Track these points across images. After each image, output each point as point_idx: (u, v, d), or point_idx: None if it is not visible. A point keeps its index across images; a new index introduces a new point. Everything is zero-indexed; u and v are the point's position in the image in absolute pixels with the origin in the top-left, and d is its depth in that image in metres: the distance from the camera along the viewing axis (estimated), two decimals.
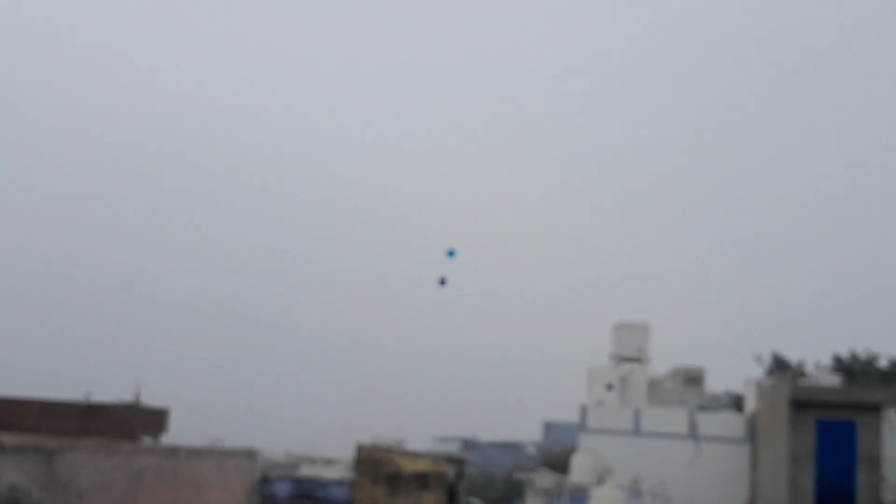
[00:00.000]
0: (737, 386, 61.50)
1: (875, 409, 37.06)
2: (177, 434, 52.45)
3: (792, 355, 62.19)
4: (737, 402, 60.32)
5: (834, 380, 44.51)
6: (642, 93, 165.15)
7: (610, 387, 61.14)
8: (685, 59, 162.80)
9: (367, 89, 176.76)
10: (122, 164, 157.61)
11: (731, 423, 50.66)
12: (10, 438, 21.10)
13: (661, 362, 67.54)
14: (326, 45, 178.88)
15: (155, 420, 51.97)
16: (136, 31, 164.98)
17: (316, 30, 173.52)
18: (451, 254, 37.34)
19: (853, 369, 59.05)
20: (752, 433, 48.29)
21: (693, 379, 63.42)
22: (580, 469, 48.45)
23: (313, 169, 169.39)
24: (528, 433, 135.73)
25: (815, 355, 63.26)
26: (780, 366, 57.91)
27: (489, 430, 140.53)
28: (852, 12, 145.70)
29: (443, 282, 33.75)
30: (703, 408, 57.11)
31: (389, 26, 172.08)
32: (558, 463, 73.14)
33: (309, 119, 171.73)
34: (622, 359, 66.15)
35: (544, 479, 45.12)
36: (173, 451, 28.40)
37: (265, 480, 44.83)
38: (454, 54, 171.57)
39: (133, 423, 47.10)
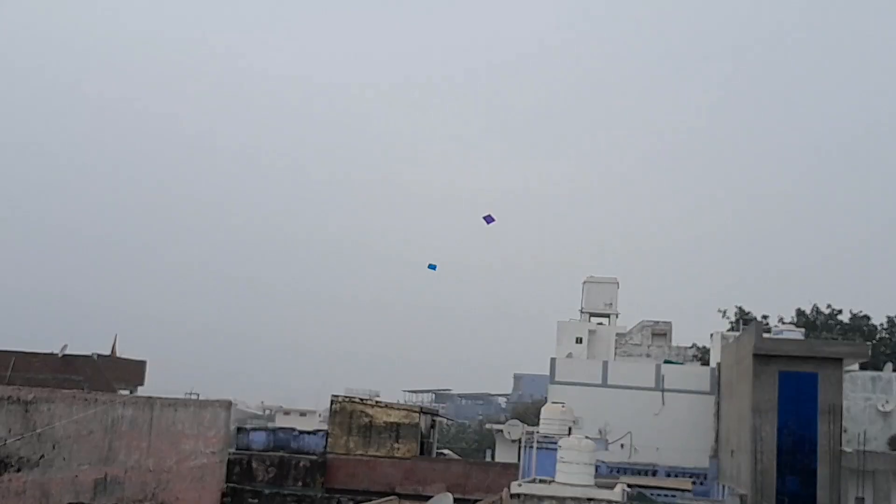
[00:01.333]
0: (702, 340, 62.65)
1: (837, 361, 37.76)
2: (153, 386, 53.04)
3: (756, 310, 63.38)
4: (702, 356, 61.44)
5: (797, 333, 45.40)
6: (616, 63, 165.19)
7: (579, 340, 62.06)
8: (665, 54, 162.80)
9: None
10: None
11: (697, 376, 51.67)
12: None
13: (629, 317, 68.71)
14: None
15: (132, 372, 52.44)
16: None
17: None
18: (432, 266, 38.97)
19: (816, 323, 60.25)
20: (717, 385, 49.30)
21: (660, 333, 64.42)
22: (549, 420, 49.22)
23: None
24: (499, 385, 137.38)
25: (779, 310, 64.57)
26: (744, 320, 58.92)
27: (461, 383, 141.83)
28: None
29: (489, 219, 34.35)
30: (669, 361, 58.15)
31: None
32: (528, 414, 74.26)
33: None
34: (591, 313, 67.13)
35: (515, 429, 45.78)
36: (149, 402, 28.74)
37: (241, 431, 45.50)
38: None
39: (109, 374, 47.54)
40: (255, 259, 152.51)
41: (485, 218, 34.39)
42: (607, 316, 67.34)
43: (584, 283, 68.00)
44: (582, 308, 67.19)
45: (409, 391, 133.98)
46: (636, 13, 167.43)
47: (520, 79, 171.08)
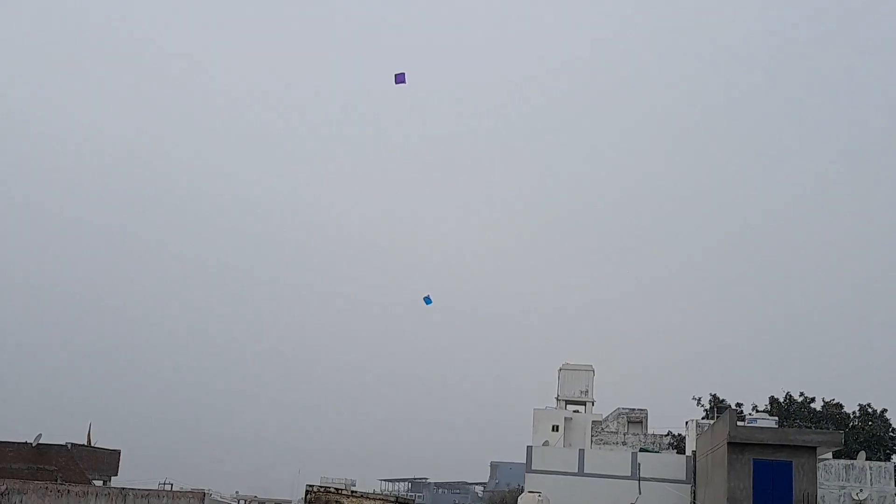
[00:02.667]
0: (678, 427, 62.79)
1: (811, 450, 38.06)
2: (127, 475, 52.57)
3: (730, 397, 63.70)
4: (678, 443, 61.52)
5: (770, 422, 45.72)
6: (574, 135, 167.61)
7: (555, 428, 62.05)
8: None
9: None
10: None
11: (673, 464, 51.72)
12: None
13: (605, 403, 68.87)
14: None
15: (106, 462, 51.95)
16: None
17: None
18: (427, 301, 39.35)
19: (789, 411, 60.55)
20: (693, 473, 49.38)
21: (636, 420, 64.55)
22: None
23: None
24: (476, 474, 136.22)
25: (753, 397, 64.94)
26: (718, 407, 59.23)
27: (437, 471, 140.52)
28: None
29: (400, 78, 32.39)
30: (645, 449, 58.19)
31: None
32: (504, 503, 73.79)
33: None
34: (567, 400, 67.26)
35: None
36: (122, 493, 28.66)
37: None
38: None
39: (84, 464, 47.08)
40: (227, 352, 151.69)
41: (396, 77, 32.40)
42: (583, 403, 67.47)
43: (560, 370, 68.23)
44: (558, 395, 67.32)
45: (385, 480, 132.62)
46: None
47: (494, 162, 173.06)
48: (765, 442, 38.34)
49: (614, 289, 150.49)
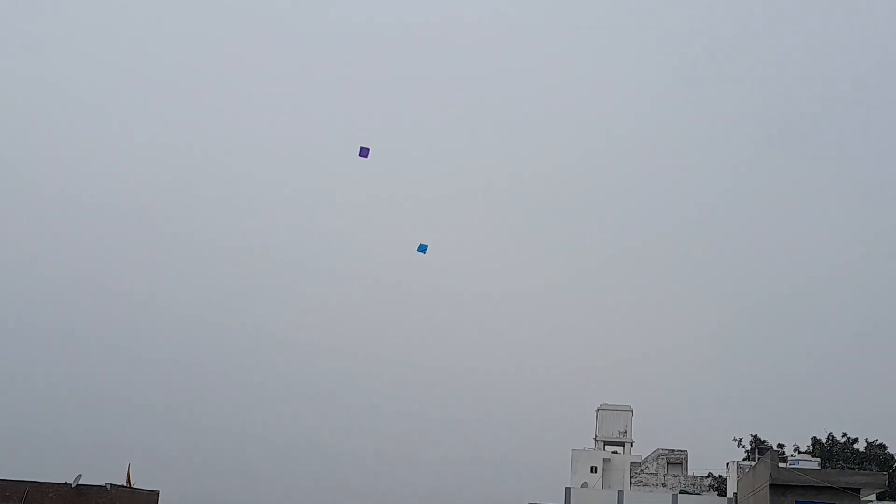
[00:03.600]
0: (718, 468, 62.04)
1: (854, 492, 37.59)
2: None
3: (772, 438, 62.89)
4: (719, 485, 60.79)
5: (813, 463, 45.13)
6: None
7: (594, 469, 61.63)
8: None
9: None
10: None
11: None
12: None
13: (644, 444, 68.26)
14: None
15: (145, 502, 52.14)
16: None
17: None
18: (422, 248, 36.48)
19: (832, 452, 59.69)
20: None
21: (675, 461, 63.93)
22: None
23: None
24: None
25: (795, 438, 63.98)
26: (759, 448, 58.48)
27: None
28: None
29: (364, 152, 32.39)
30: (685, 491, 57.57)
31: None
32: None
33: None
34: (606, 441, 66.82)
35: None
36: None
37: None
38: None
39: None
40: (272, 398, 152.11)
41: (361, 152, 32.52)
42: (622, 444, 66.99)
43: (598, 410, 67.87)
44: (596, 436, 66.91)
45: None
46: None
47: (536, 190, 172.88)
48: (807, 484, 37.90)
49: (653, 328, 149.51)
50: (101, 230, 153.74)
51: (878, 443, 61.63)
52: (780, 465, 40.71)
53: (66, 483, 46.64)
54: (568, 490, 53.00)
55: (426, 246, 36.45)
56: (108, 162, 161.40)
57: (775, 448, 58.95)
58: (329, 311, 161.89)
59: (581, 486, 56.68)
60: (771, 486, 37.95)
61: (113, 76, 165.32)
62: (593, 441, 66.94)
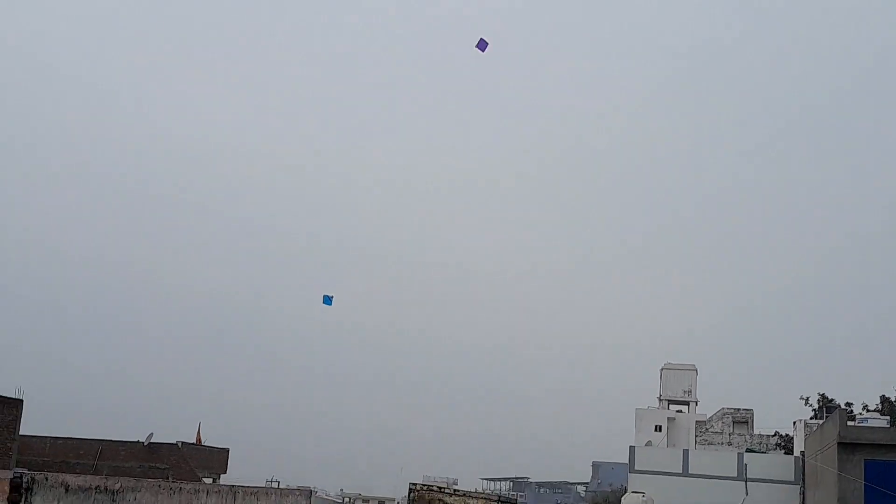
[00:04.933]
0: (785, 427, 61.47)
1: None
2: (236, 473, 53.75)
3: (839, 397, 62.10)
4: (786, 444, 60.26)
5: (882, 421, 44.45)
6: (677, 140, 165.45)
7: (658, 428, 61.42)
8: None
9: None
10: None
11: (780, 465, 50.65)
12: (74, 479, 22.12)
13: (709, 404, 67.84)
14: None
15: (215, 460, 53.18)
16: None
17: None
18: (327, 300, 36.55)
19: None
20: (802, 474, 48.29)
21: (741, 420, 63.43)
22: None
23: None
24: (578, 474, 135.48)
25: (863, 397, 63.10)
26: (827, 407, 57.79)
27: (539, 471, 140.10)
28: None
29: (482, 45, 32.11)
30: (751, 449, 57.15)
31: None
32: (607, 503, 73.32)
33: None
34: (670, 400, 66.52)
35: None
36: (232, 490, 29.33)
37: None
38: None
39: (193, 462, 48.26)
40: (332, 345, 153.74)
41: (479, 44, 32.12)
42: (686, 403, 66.63)
43: (662, 369, 67.51)
44: (660, 395, 66.63)
45: (486, 479, 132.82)
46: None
47: (584, 163, 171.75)
48: (877, 442, 37.29)
49: (717, 287, 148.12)
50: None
51: None
52: (849, 423, 40.17)
53: (138, 441, 47.70)
54: (632, 448, 52.95)
55: (330, 298, 36.53)
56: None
57: (843, 406, 58.27)
58: (424, 303, 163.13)
59: (645, 445, 56.59)
60: (839, 444, 37.46)
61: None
62: (657, 400, 66.67)
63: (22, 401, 33.94)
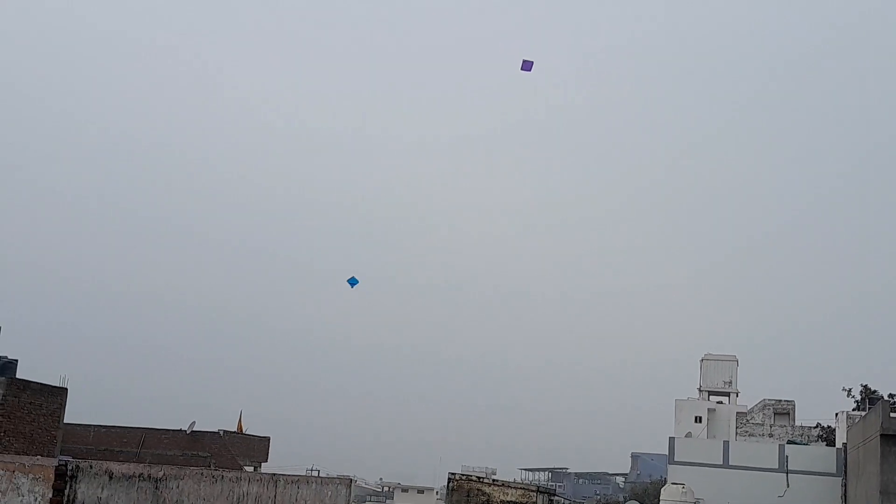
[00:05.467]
0: (827, 419, 60.91)
1: None
2: (277, 462, 54.24)
3: (882, 388, 61.42)
4: (827, 436, 59.72)
5: None
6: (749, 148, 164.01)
7: (698, 419, 61.09)
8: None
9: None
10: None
11: (822, 457, 50.22)
12: (118, 467, 22.37)
13: (750, 395, 67.36)
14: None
15: (256, 448, 53.65)
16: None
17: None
18: (352, 281, 36.27)
19: None
20: (844, 466, 47.86)
21: (782, 412, 62.92)
22: (670, 501, 48.62)
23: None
24: (617, 465, 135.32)
25: None
26: (870, 399, 57.17)
27: (577, 461, 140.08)
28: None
29: (527, 66, 32.20)
30: (792, 441, 56.71)
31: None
32: (646, 494, 73.13)
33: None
34: (710, 391, 66.10)
35: None
36: (273, 479, 29.53)
37: None
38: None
39: (235, 450, 48.74)
40: (373, 332, 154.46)
41: (524, 65, 32.15)
42: (727, 394, 66.20)
43: (703, 360, 67.12)
44: (700, 386, 66.25)
45: (525, 469, 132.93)
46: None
47: (628, 157, 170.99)
48: None
49: (757, 276, 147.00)
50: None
51: None
52: (892, 414, 39.74)
53: (180, 429, 48.23)
54: (672, 440, 52.72)
55: (356, 280, 36.35)
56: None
57: (886, 398, 57.62)
58: (463, 300, 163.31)
59: (685, 436, 56.32)
60: (882, 436, 37.07)
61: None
62: (697, 391, 66.30)
63: (66, 389, 34.47)
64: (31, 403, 33.37)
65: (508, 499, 41.48)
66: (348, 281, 36.48)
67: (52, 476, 18.26)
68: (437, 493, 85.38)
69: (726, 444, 52.22)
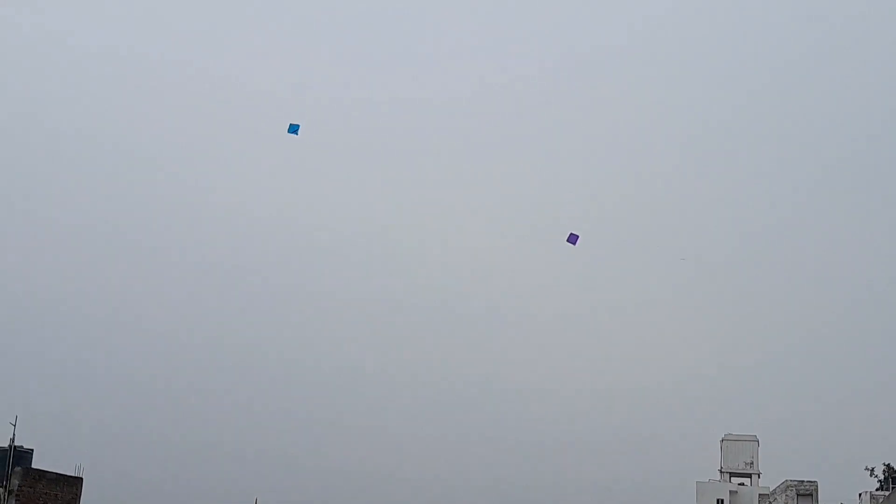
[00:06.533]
0: (850, 499, 60.17)
1: None
2: None
3: None
4: None
5: None
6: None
7: (720, 502, 60.38)
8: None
9: None
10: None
11: None
12: None
13: (772, 476, 66.43)
14: None
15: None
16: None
17: None
18: (293, 129, 34.93)
19: None
20: None
21: (805, 493, 62.14)
22: None
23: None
24: None
25: None
26: (893, 478, 56.57)
27: None
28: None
29: (573, 239, 33.17)
30: None
31: None
32: None
33: None
34: (731, 473, 65.36)
35: None
36: None
37: None
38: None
39: None
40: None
41: (570, 238, 33.15)
42: (748, 476, 65.46)
43: (723, 440, 66.54)
44: (721, 467, 65.57)
45: None
46: None
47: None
48: None
49: (777, 352, 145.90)
50: None
51: None
52: None
53: None
54: None
55: (297, 126, 35.24)
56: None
57: None
58: (468, 346, 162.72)
59: None
60: None
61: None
62: (718, 473, 65.58)
63: (82, 479, 34.45)
64: (46, 493, 33.38)
65: None
66: (290, 128, 35.19)
67: None
68: None
69: None
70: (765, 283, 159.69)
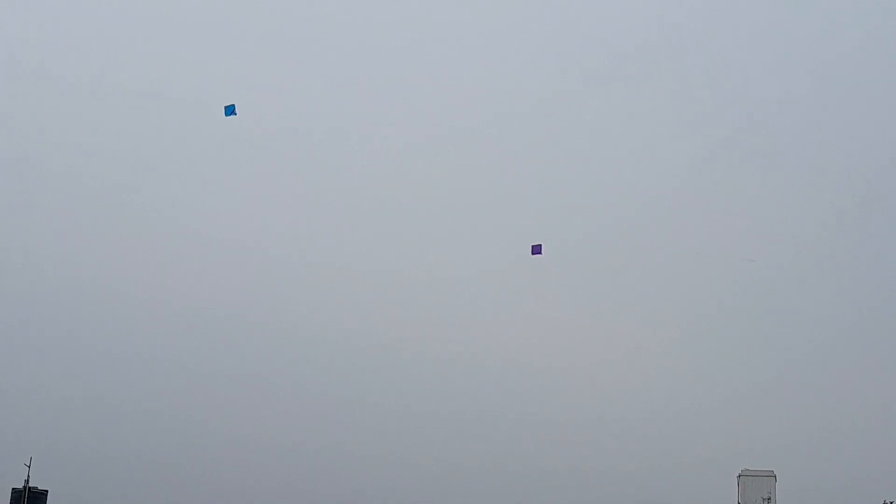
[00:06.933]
0: None
1: None
2: None
3: None
4: None
5: None
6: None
7: None
8: None
9: None
10: None
11: None
12: None
13: None
14: None
15: None
16: None
17: None
18: (229, 110, 34.63)
19: None
20: None
21: None
22: None
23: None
24: None
25: None
26: None
27: None
28: None
29: (536, 250, 33.08)
30: None
31: None
32: None
33: None
34: None
35: None
36: None
37: None
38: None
39: None
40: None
41: (533, 250, 33.12)
42: None
43: (740, 476, 66.14)
44: (739, 503, 65.09)
45: None
46: None
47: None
48: None
49: (793, 385, 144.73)
50: None
51: None
52: None
53: None
54: None
55: (232, 107, 35.19)
56: None
57: None
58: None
59: None
60: None
61: None
62: None
63: None
64: None
65: None
66: (226, 110, 34.97)
67: None
68: None
69: None
70: (783, 327, 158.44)
